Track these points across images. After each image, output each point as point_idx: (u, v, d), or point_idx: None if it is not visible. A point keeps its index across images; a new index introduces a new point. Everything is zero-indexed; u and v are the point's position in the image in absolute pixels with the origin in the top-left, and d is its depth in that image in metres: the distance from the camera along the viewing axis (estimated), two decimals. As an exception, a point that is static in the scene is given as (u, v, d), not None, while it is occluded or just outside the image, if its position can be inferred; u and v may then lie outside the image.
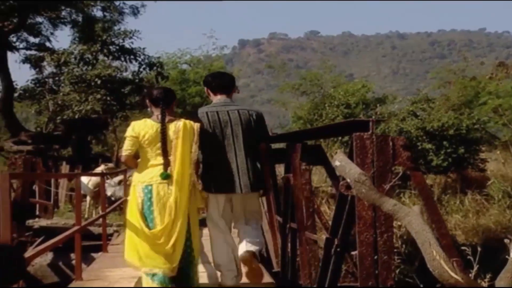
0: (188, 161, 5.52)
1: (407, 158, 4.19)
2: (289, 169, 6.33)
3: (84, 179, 12.99)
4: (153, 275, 5.43)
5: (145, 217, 5.45)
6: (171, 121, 5.55)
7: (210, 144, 5.82)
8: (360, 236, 4.14)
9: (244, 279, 6.14)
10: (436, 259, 2.71)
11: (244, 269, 6.05)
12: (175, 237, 5.38)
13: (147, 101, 5.79)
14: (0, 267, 2.57)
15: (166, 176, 5.43)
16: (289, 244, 6.97)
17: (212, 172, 5.85)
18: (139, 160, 5.71)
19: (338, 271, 5.19)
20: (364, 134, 4.16)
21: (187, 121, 5.62)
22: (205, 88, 6.29)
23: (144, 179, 5.50)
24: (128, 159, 5.65)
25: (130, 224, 5.54)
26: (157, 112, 5.57)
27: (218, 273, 6.10)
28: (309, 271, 5.94)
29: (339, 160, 3.49)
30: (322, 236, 6.07)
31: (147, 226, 5.43)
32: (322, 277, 5.28)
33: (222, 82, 6.14)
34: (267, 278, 6.62)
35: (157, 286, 5.39)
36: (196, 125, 5.65)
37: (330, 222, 8.12)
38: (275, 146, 8.66)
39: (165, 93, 5.75)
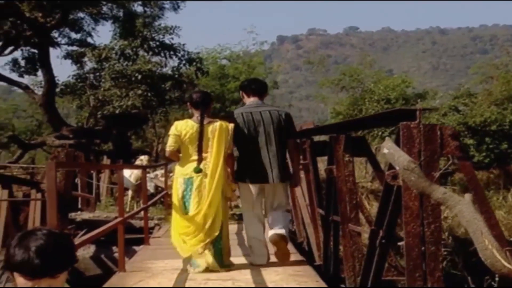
0: (222, 157, 6.53)
1: (455, 147, 4.10)
2: (332, 161, 6.28)
3: (126, 172, 13.06)
4: (192, 262, 6.61)
5: (185, 204, 6.61)
6: (209, 122, 6.60)
7: (245, 141, 6.77)
8: (406, 227, 4.07)
9: (273, 259, 7.01)
10: (489, 248, 2.65)
11: (273, 249, 6.95)
12: (211, 220, 6.48)
13: (188, 104, 6.89)
14: (54, 252, 2.56)
15: (198, 171, 6.51)
16: (331, 237, 6.94)
17: (247, 165, 6.84)
18: (180, 154, 6.74)
19: (382, 264, 5.14)
20: (411, 123, 4.09)
21: (223, 122, 6.65)
22: (240, 92, 7.34)
23: (186, 172, 6.62)
24: (171, 154, 6.75)
25: (174, 211, 6.75)
26: (197, 114, 6.61)
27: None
28: (352, 263, 5.91)
29: (388, 147, 3.43)
30: (365, 229, 6.04)
31: (187, 211, 6.59)
32: (366, 270, 5.23)
33: (256, 86, 7.11)
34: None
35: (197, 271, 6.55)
36: (230, 126, 6.68)
37: (372, 216, 8.11)
38: (316, 139, 8.64)
39: (203, 97, 6.79)
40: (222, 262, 6.68)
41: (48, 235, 2.62)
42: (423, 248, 4.05)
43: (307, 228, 8.69)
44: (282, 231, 6.82)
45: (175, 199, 6.70)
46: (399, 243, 4.46)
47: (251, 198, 6.91)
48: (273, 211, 6.91)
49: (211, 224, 6.50)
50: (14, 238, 2.68)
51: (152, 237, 10.16)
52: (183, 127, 6.59)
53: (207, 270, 6.52)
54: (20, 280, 2.58)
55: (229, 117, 6.87)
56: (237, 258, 7.29)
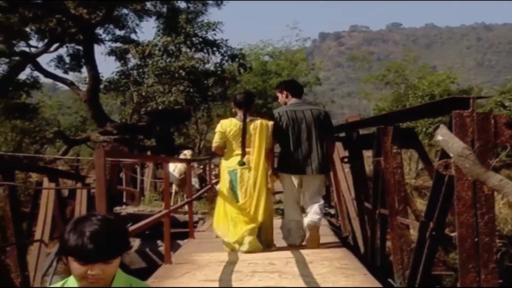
0: (263, 151, 7.31)
1: (510, 136, 3.99)
2: (379, 153, 6.21)
3: (170, 167, 13.08)
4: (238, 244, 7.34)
5: (233, 194, 7.37)
6: (251, 120, 7.34)
7: (289, 136, 7.45)
8: (459, 218, 3.99)
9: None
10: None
11: (307, 234, 7.50)
12: (256, 208, 7.26)
13: (232, 104, 7.74)
14: (108, 238, 2.60)
15: (242, 164, 7.28)
16: (378, 231, 6.87)
17: (289, 158, 7.48)
18: (225, 149, 7.53)
19: (432, 256, 5.07)
20: (464, 112, 4.00)
21: (264, 120, 7.42)
22: (278, 91, 8.07)
23: (231, 165, 7.39)
24: (217, 149, 7.57)
25: (222, 199, 7.54)
26: (240, 113, 7.37)
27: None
28: (401, 257, 5.83)
29: (442, 134, 3.36)
30: (414, 221, 5.96)
31: (235, 200, 7.36)
32: (415, 263, 5.16)
33: (295, 88, 7.94)
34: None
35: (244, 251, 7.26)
36: (270, 123, 7.42)
37: (418, 210, 8.00)
38: (362, 131, 8.58)
39: (246, 98, 7.55)
40: (265, 245, 7.47)
41: (103, 220, 2.66)
42: (476, 239, 3.96)
43: (352, 223, 8.64)
44: (315, 219, 7.42)
45: (223, 189, 7.49)
46: (452, 234, 4.36)
47: (292, 187, 7.60)
48: (312, 203, 7.49)
49: (256, 212, 7.28)
50: (69, 224, 2.71)
51: (196, 231, 10.17)
52: (228, 125, 7.39)
53: (251, 251, 7.22)
54: (74, 265, 2.62)
55: (271, 115, 7.74)
56: (282, 252, 7.35)
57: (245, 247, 7.29)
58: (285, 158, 7.55)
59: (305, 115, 7.48)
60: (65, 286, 2.80)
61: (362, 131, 8.56)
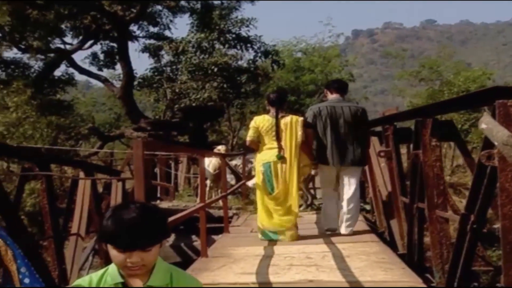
0: (295, 145, 7.86)
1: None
2: (418, 145, 6.14)
3: (205, 162, 13.08)
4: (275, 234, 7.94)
5: (267, 185, 7.93)
6: (282, 117, 7.92)
7: (328, 130, 8.03)
8: (502, 209, 3.91)
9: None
10: None
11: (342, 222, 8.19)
12: (290, 197, 7.84)
13: (266, 102, 8.42)
14: (146, 225, 2.61)
15: (280, 157, 7.85)
16: (416, 226, 6.80)
17: (328, 150, 8.04)
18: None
19: (473, 250, 4.99)
20: (508, 101, 3.91)
21: (294, 116, 8.04)
22: (324, 90, 8.78)
23: (264, 158, 8.00)
24: (251, 143, 8.16)
25: (258, 191, 8.18)
26: (272, 110, 7.97)
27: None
28: (440, 251, 5.76)
29: (486, 122, 3.30)
30: (454, 214, 5.88)
31: (270, 191, 7.92)
32: (455, 257, 5.09)
33: (338, 85, 8.51)
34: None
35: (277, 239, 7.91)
36: (300, 119, 8.00)
37: (456, 205, 7.89)
38: (399, 125, 8.53)
39: (278, 96, 8.13)
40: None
41: (141, 208, 2.66)
42: (520, 231, 3.88)
43: (389, 218, 8.57)
44: (348, 231, 8.11)
45: (258, 181, 8.11)
46: (494, 226, 4.29)
47: (329, 177, 8.32)
48: (348, 194, 8.10)
49: (290, 201, 7.86)
50: (108, 211, 2.74)
51: (231, 226, 10.18)
52: (261, 121, 8.02)
53: (289, 240, 7.83)
54: (113, 252, 2.64)
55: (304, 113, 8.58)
56: (319, 246, 7.42)
57: (286, 238, 7.88)
58: (323, 150, 8.08)
59: (344, 111, 8.05)
60: (106, 273, 2.80)
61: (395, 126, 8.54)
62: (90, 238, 11.21)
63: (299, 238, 7.98)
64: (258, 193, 8.24)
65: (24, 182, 9.51)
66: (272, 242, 7.92)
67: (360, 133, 8.12)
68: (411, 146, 7.00)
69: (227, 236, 9.28)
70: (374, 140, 9.01)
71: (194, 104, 23.20)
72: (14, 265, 2.75)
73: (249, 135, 8.13)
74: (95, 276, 2.84)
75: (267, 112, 8.15)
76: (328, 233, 8.27)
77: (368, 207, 11.41)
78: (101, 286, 2.79)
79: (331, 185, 8.36)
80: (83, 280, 2.85)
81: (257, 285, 5.65)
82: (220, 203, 11.50)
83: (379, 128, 9.20)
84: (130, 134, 22.62)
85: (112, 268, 2.79)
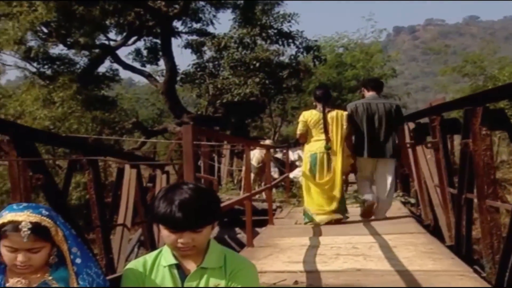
0: (340, 137, 8.71)
1: None
2: (467, 134, 6.07)
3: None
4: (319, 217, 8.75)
5: (313, 173, 8.81)
6: (328, 111, 8.75)
7: (364, 125, 8.72)
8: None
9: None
10: None
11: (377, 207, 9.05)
12: (334, 185, 8.71)
13: (313, 97, 9.25)
14: (197, 206, 2.65)
15: (328, 148, 8.70)
16: (464, 217, 6.73)
17: (364, 144, 8.72)
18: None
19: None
20: None
21: (339, 111, 8.89)
22: (362, 88, 9.78)
23: (312, 149, 8.85)
24: (300, 136, 9.03)
25: (305, 178, 9.09)
26: (319, 106, 8.80)
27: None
28: (490, 241, 5.69)
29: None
30: (505, 204, 5.80)
31: (314, 179, 8.81)
32: (507, 247, 5.02)
33: (374, 84, 9.29)
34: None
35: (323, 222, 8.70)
36: (345, 113, 8.83)
37: (505, 196, 7.78)
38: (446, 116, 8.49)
39: (324, 93, 8.95)
40: (342, 216, 8.89)
41: (194, 189, 2.70)
42: None
43: (435, 209, 8.53)
44: (382, 215, 9.06)
45: (306, 169, 8.99)
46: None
47: (366, 168, 9.01)
48: (382, 184, 8.91)
49: (335, 189, 8.72)
50: (160, 191, 2.79)
51: (275, 218, 10.23)
52: (309, 115, 8.84)
53: (331, 222, 8.67)
54: (164, 232, 2.70)
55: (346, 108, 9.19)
56: (364, 237, 7.43)
57: (328, 218, 8.72)
58: (361, 143, 8.78)
59: (378, 108, 8.76)
60: (160, 254, 2.87)
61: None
62: (135, 230, 11.33)
63: (340, 223, 8.76)
64: (304, 180, 9.14)
65: (72, 170, 9.70)
66: (318, 232, 8.02)
67: (394, 128, 8.81)
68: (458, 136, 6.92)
69: (272, 227, 9.34)
70: (420, 131, 9.04)
71: (236, 99, 23.23)
72: (65, 245, 2.75)
73: (299, 129, 8.99)
74: (149, 257, 2.90)
75: (314, 107, 8.93)
76: (372, 225, 8.39)
77: (412, 200, 11.34)
78: (155, 267, 2.84)
79: (367, 176, 9.08)
80: (138, 262, 2.91)
81: (304, 273, 5.64)
82: (264, 196, 11.61)
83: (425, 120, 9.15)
84: (173, 128, 22.81)
85: (166, 249, 2.85)
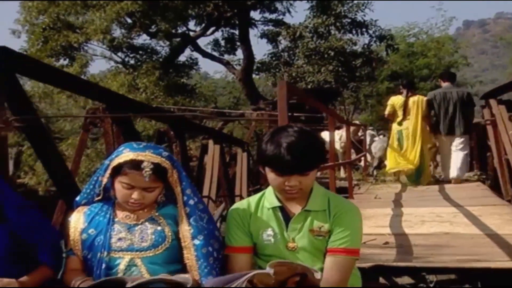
0: (419, 118, 10.87)
1: None
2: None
3: (336, 136, 13.13)
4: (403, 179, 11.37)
5: (399, 145, 11.15)
6: (410, 96, 10.96)
7: (442, 109, 10.76)
8: None
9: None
10: None
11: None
12: (414, 154, 10.88)
13: (400, 86, 11.65)
14: (304, 149, 2.73)
15: (405, 128, 10.97)
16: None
17: (441, 124, 10.80)
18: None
19: None
20: None
21: (420, 96, 11.15)
22: (438, 79, 12.24)
23: (397, 127, 11.20)
24: (389, 115, 11.42)
25: (391, 149, 11.45)
26: (404, 91, 11.03)
27: None
28: None
29: None
30: None
31: (400, 149, 11.12)
32: None
33: (449, 75, 11.50)
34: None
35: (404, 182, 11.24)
36: (425, 99, 11.00)
37: None
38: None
39: (408, 82, 11.70)
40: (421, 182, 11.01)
41: (300, 132, 2.74)
42: None
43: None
44: (457, 175, 10.81)
45: (392, 142, 11.43)
46: None
47: (445, 144, 11.00)
48: (457, 156, 10.75)
49: (414, 157, 10.87)
50: (265, 134, 2.88)
51: (354, 193, 10.26)
52: (395, 100, 11.19)
53: (412, 185, 10.86)
54: (271, 175, 2.77)
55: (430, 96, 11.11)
56: (448, 208, 7.56)
57: (407, 183, 11.08)
58: (438, 124, 10.86)
59: (452, 95, 10.72)
60: (263, 197, 3.00)
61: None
62: (217, 206, 11.71)
63: (416, 184, 10.88)
64: (390, 150, 11.52)
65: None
66: (399, 204, 8.22)
67: (466, 110, 10.70)
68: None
69: (352, 201, 9.53)
70: (501, 108, 8.98)
71: (309, 87, 23.49)
72: (179, 186, 2.84)
73: (387, 110, 11.34)
74: (252, 200, 3.01)
75: (400, 93, 11.19)
76: (453, 199, 8.40)
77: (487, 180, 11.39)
78: (259, 209, 2.95)
79: (446, 150, 10.98)
80: (241, 204, 3.03)
81: (393, 236, 5.79)
82: (341, 174, 12.16)
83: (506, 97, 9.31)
84: (250, 114, 23.29)
85: (269, 192, 2.95)
